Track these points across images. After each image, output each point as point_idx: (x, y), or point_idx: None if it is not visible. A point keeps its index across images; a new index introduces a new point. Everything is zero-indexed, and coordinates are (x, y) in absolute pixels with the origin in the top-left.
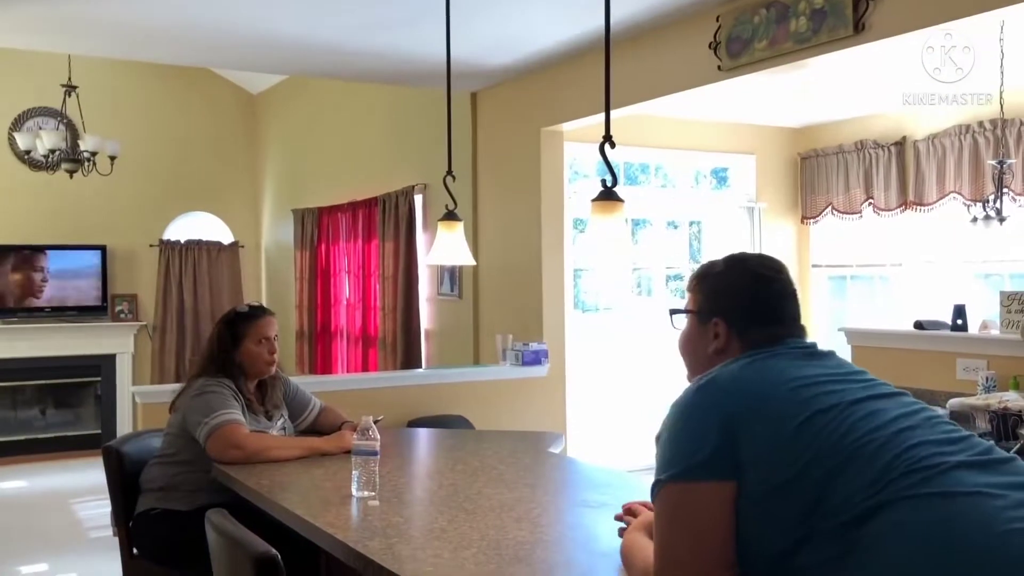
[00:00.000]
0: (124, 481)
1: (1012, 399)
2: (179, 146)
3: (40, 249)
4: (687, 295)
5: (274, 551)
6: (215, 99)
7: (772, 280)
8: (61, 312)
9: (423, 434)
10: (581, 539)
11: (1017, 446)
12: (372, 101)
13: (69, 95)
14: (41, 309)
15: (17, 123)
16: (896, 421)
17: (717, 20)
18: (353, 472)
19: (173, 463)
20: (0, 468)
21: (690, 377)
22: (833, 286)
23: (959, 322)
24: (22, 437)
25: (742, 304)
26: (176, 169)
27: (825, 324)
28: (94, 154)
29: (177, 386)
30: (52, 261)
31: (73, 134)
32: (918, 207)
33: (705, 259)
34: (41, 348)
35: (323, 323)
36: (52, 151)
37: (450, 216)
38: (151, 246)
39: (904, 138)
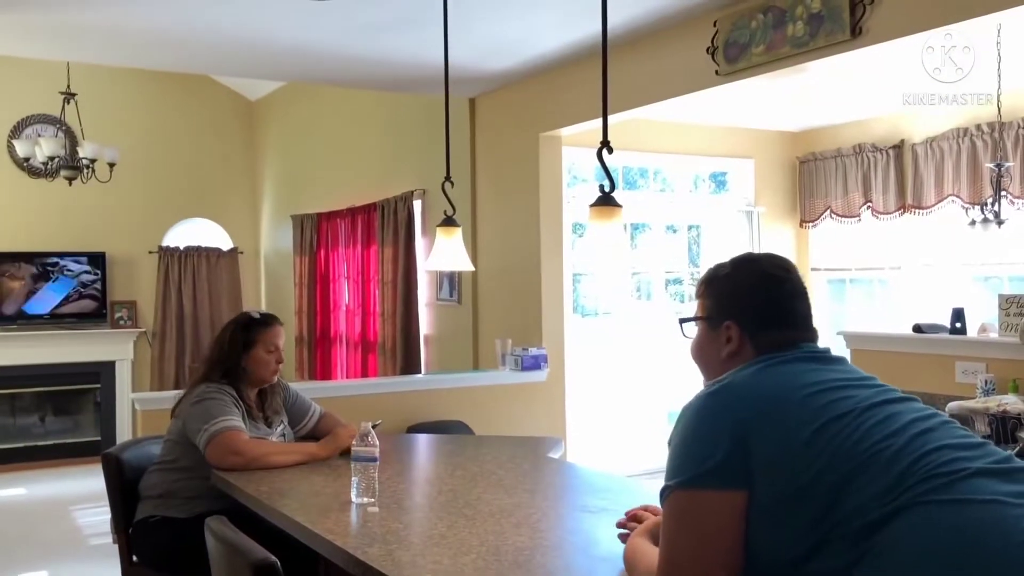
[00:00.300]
0: (123, 488)
1: (1011, 402)
2: (178, 153)
3: (39, 256)
4: (696, 301)
5: (273, 558)
6: (214, 106)
7: (783, 280)
8: (60, 319)
9: (422, 440)
10: (581, 544)
11: (1016, 449)
12: (371, 107)
13: (68, 102)
14: (40, 316)
15: (16, 130)
16: (913, 425)
17: (714, 25)
18: (352, 478)
19: (172, 470)
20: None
21: (707, 383)
22: (832, 290)
23: (958, 325)
24: (21, 444)
25: (753, 305)
26: (175, 176)
27: (824, 328)
28: (93, 161)
29: (177, 393)
30: (51, 268)
31: (72, 141)
32: (916, 210)
33: (704, 263)
34: (40, 355)
35: (323, 329)
36: (51, 158)
37: (448, 222)
38: (150, 253)
39: (902, 141)
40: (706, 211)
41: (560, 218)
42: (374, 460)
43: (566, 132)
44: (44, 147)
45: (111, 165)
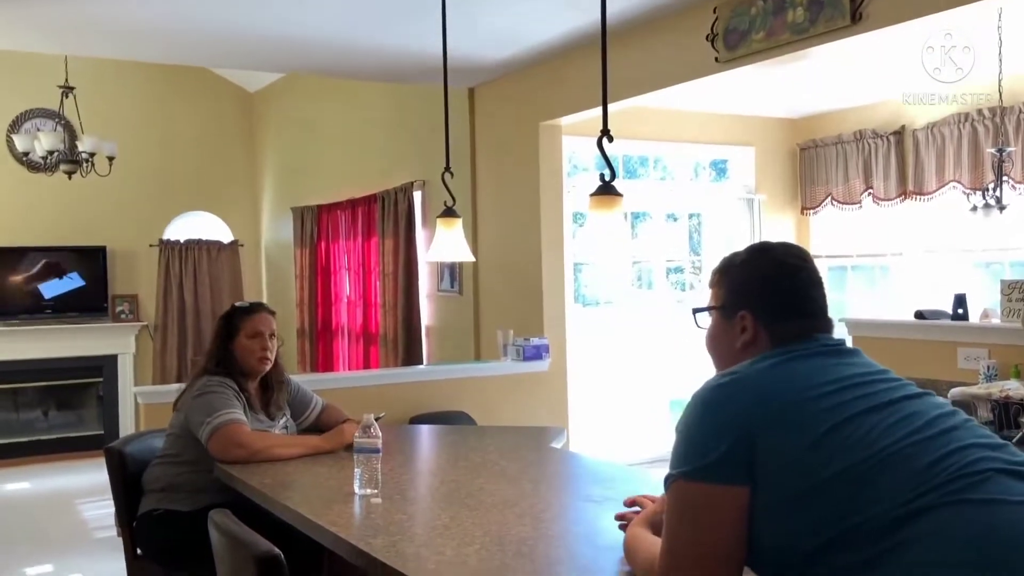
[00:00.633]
0: (127, 482)
1: (1013, 388)
2: (178, 146)
3: (40, 251)
4: (710, 291)
5: (277, 550)
6: (213, 98)
7: (798, 268)
8: (62, 313)
9: (425, 431)
10: (584, 534)
11: (1019, 435)
12: (370, 98)
13: (66, 96)
14: (42, 310)
15: (15, 125)
16: (936, 422)
17: (714, 12)
18: (355, 470)
19: (175, 463)
20: (3, 470)
21: (718, 373)
22: (834, 276)
23: (960, 311)
24: (25, 439)
25: (768, 295)
26: (175, 169)
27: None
28: (92, 155)
29: (179, 386)
30: (52, 262)
31: (71, 135)
32: (918, 196)
33: (705, 252)
34: (42, 350)
35: (324, 321)
36: (50, 152)
37: (449, 213)
38: (151, 246)
39: (903, 127)
40: (707, 199)
41: (560, 208)
42: (377, 452)
43: (566, 121)
44: (43, 141)
45: (110, 159)
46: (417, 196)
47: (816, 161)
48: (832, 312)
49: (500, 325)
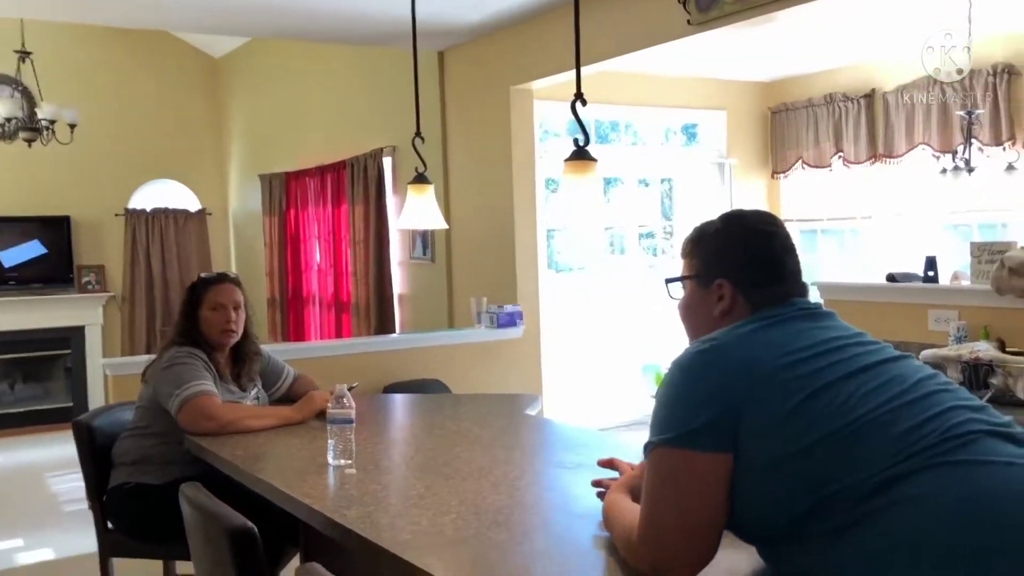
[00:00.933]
0: (96, 456)
1: (983, 349)
2: (142, 113)
3: (2, 220)
4: (683, 261)
5: (250, 524)
6: (176, 64)
7: (772, 235)
8: (26, 284)
9: (399, 400)
10: (559, 501)
11: (988, 395)
12: (338, 63)
13: (23, 61)
14: (5, 282)
15: None
16: (917, 386)
17: None
18: (329, 441)
19: (145, 436)
20: None
21: (696, 341)
22: (804, 240)
23: (930, 274)
24: None
25: (745, 262)
26: (139, 136)
27: None
28: (52, 122)
29: (148, 357)
30: (14, 232)
31: (30, 102)
32: (887, 159)
33: (677, 217)
34: (7, 322)
35: (294, 290)
36: (8, 120)
37: (420, 179)
38: (116, 215)
39: (873, 90)
40: (678, 164)
41: (533, 173)
42: (350, 422)
43: (537, 85)
44: (0, 108)
45: (71, 126)
46: (387, 162)
47: (787, 124)
48: (804, 277)
49: (473, 293)
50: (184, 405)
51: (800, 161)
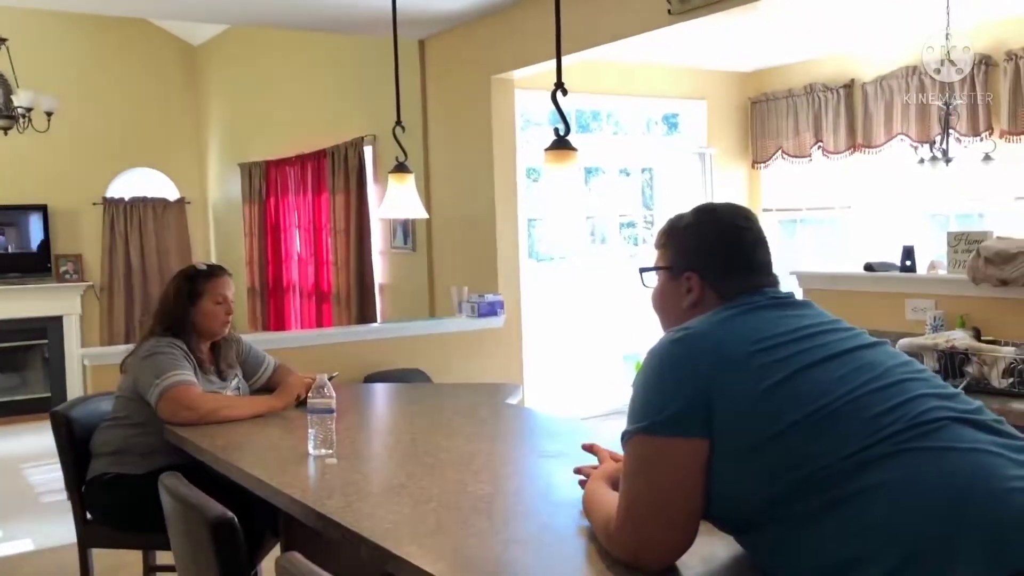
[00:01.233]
0: (75, 446)
1: (959, 338)
2: (120, 100)
3: None
4: (656, 251)
5: (230, 513)
6: (155, 51)
7: (743, 229)
8: (3, 274)
9: (380, 389)
10: (540, 489)
11: (963, 383)
12: (318, 51)
13: None
14: None
15: None
16: (889, 372)
17: None
18: (309, 431)
19: (125, 426)
20: None
21: (670, 330)
22: (784, 230)
23: (908, 263)
24: None
25: (714, 255)
26: (117, 124)
27: (777, 268)
28: (29, 110)
29: (127, 347)
30: None
31: (6, 90)
32: (867, 149)
33: (657, 206)
34: None
35: (275, 279)
36: None
37: (400, 168)
38: (94, 204)
39: (852, 81)
40: (659, 154)
41: (514, 163)
42: (331, 412)
43: (518, 75)
44: None
45: (49, 114)
46: (368, 151)
47: (767, 115)
48: (783, 265)
49: (454, 282)
50: (164, 395)
51: (780, 151)
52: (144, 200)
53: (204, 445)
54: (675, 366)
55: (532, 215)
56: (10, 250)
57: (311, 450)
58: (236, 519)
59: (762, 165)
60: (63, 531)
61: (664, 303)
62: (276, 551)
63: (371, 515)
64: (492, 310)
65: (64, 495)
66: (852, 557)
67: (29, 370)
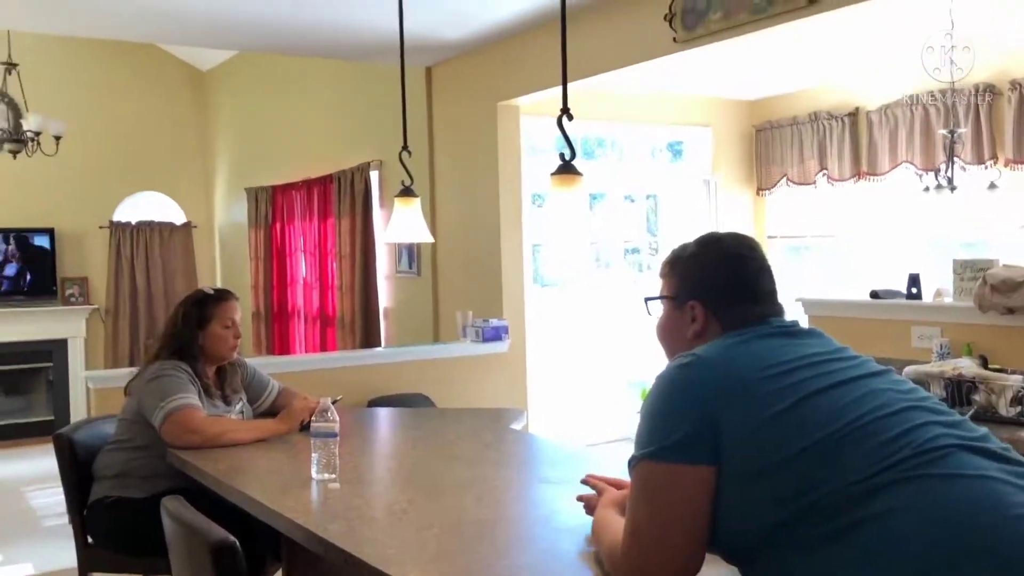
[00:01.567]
0: (77, 469)
1: (966, 366)
2: (128, 125)
3: None
4: (661, 281)
5: (232, 538)
6: (164, 77)
7: (747, 258)
8: (9, 296)
9: (383, 413)
10: (543, 516)
11: (971, 411)
12: (325, 77)
13: (9, 73)
14: None
15: None
16: (896, 400)
17: None
18: (312, 454)
19: (128, 449)
20: None
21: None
22: (789, 257)
23: (914, 291)
24: None
25: (718, 284)
26: (126, 148)
27: (782, 295)
28: (38, 134)
29: (131, 371)
30: None
31: (15, 113)
32: (871, 177)
33: (662, 233)
34: None
35: (280, 303)
36: None
37: (407, 192)
38: (101, 228)
39: (857, 109)
40: (663, 180)
41: (519, 188)
42: (334, 436)
43: (524, 101)
44: None
45: (57, 138)
46: (374, 176)
47: (772, 142)
48: (789, 292)
49: (459, 306)
50: (168, 417)
51: (785, 178)
52: (151, 224)
53: (207, 468)
54: (682, 391)
55: (536, 240)
56: (16, 273)
57: (314, 474)
58: (238, 543)
59: (767, 192)
60: (64, 555)
61: (668, 333)
62: None
63: (373, 540)
64: (497, 335)
65: (66, 519)
66: None
67: (33, 393)
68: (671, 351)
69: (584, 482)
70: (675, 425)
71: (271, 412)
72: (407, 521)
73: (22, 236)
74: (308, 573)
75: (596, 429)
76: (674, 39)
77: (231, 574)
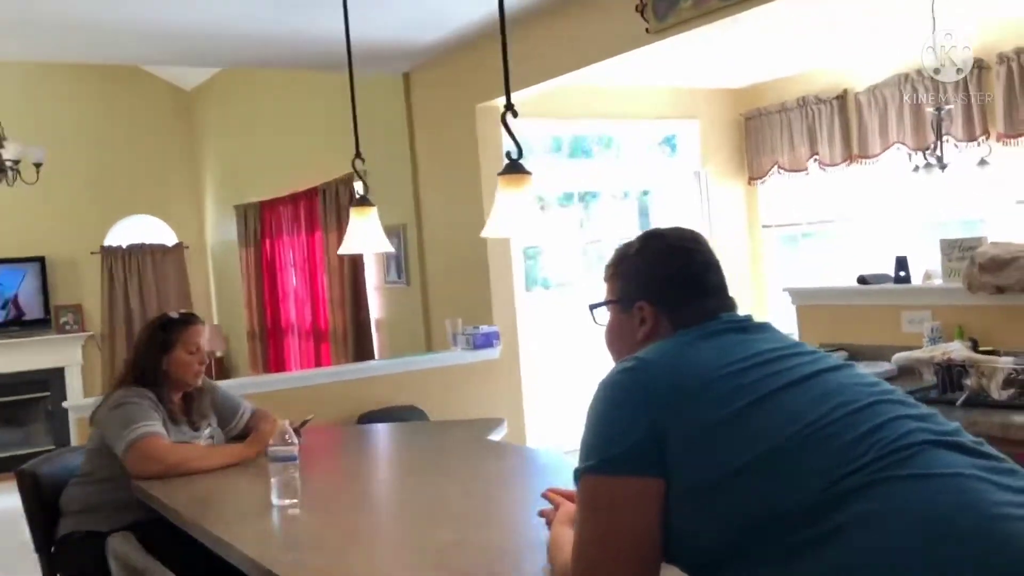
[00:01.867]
0: (43, 504)
1: (955, 349)
2: (114, 148)
3: None
4: (605, 285)
5: None
6: (148, 98)
7: (692, 251)
8: (2, 328)
9: (359, 431)
10: (508, 536)
11: (963, 397)
12: (305, 89)
13: None
14: None
15: None
16: (860, 395)
17: None
18: (272, 480)
19: (93, 482)
20: None
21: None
22: (784, 245)
23: (902, 274)
24: None
25: (664, 281)
26: (112, 172)
27: (779, 285)
28: (17, 162)
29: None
30: None
31: None
32: (863, 160)
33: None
34: None
35: (273, 320)
36: None
37: (362, 201)
38: (92, 253)
39: (845, 91)
40: (654, 176)
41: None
42: (293, 459)
43: (503, 102)
44: None
45: (37, 166)
46: (358, 186)
47: (761, 130)
48: (786, 282)
49: (450, 314)
50: (131, 447)
51: (776, 166)
52: (142, 247)
53: (167, 499)
54: (626, 397)
55: (527, 244)
56: (9, 303)
57: (274, 500)
58: None
59: (759, 181)
60: None
61: (617, 339)
62: None
63: (321, 571)
64: (487, 341)
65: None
66: None
67: (33, 424)
68: (621, 357)
69: (544, 496)
70: (619, 434)
71: (244, 435)
72: (364, 547)
73: (12, 266)
74: None
75: None
76: (646, 30)
77: None
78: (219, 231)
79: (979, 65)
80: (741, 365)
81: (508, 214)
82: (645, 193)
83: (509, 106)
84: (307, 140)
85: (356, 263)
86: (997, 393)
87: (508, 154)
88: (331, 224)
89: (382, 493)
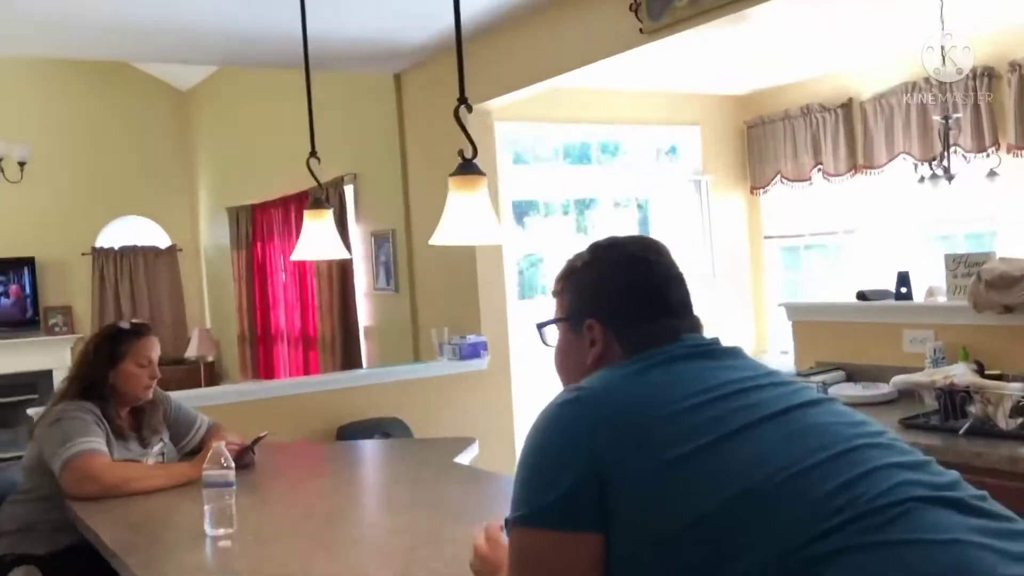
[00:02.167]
0: None
1: (959, 373)
2: (106, 148)
3: None
4: (554, 300)
5: None
6: (143, 97)
7: (652, 263)
8: None
9: (320, 449)
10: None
11: (966, 425)
12: (298, 92)
13: None
14: None
15: None
16: (841, 437)
17: None
18: (205, 507)
19: (30, 501)
20: None
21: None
22: (787, 257)
23: (903, 290)
24: None
25: (618, 297)
26: (105, 172)
27: (781, 298)
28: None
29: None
30: None
31: None
32: (868, 170)
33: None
34: None
35: (263, 326)
36: None
37: (317, 204)
38: (83, 255)
39: (850, 99)
40: (655, 183)
41: (495, 196)
42: (229, 485)
43: (496, 104)
44: None
45: (21, 164)
46: (348, 190)
47: (764, 138)
48: (788, 294)
49: (438, 323)
50: (67, 465)
51: (779, 176)
52: (135, 249)
53: (93, 524)
54: (561, 437)
55: (522, 252)
56: None
57: (208, 530)
58: None
59: (761, 191)
60: None
61: (565, 361)
62: None
63: None
64: (475, 352)
65: None
66: None
67: (20, 426)
68: (570, 383)
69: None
70: (552, 480)
71: (199, 451)
72: None
73: (1, 266)
74: None
75: None
76: (640, 30)
77: None
78: (213, 234)
79: (990, 74)
80: (699, 399)
81: (460, 219)
82: (640, 207)
83: (463, 99)
84: (298, 142)
85: (345, 268)
86: (1004, 422)
87: (460, 152)
88: None
89: (322, 525)
